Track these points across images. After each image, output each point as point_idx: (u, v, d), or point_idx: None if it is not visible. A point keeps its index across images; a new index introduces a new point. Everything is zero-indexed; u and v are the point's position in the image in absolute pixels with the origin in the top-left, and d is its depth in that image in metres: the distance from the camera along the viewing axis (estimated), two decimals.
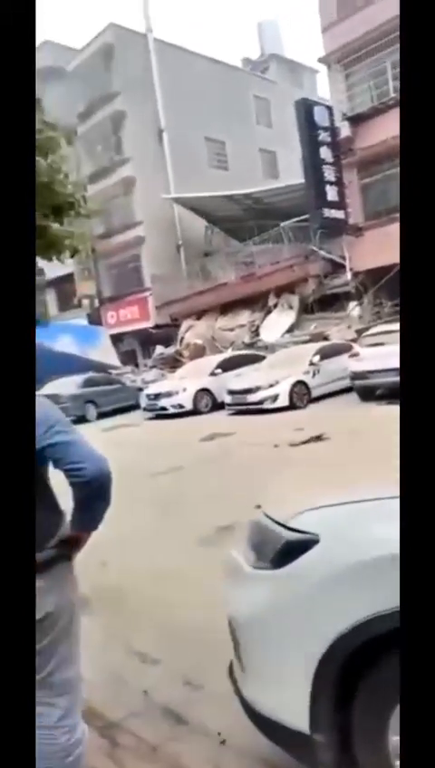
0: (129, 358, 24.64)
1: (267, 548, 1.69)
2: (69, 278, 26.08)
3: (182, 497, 5.76)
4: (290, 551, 1.56)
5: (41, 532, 1.50)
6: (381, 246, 15.59)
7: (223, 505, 5.04)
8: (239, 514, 4.65)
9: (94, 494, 1.54)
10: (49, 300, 28.33)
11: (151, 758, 1.96)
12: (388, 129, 15.38)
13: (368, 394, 10.75)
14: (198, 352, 18.99)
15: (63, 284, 27.04)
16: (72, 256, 6.95)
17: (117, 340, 24.80)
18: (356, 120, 16.34)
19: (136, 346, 25.71)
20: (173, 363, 19.57)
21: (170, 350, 21.54)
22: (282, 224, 20.02)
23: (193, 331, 21.31)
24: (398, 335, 8.72)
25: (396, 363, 9.46)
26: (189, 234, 25.42)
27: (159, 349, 22.62)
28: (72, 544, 1.63)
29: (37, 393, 1.53)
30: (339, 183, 16.60)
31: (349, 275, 17.15)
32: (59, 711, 1.59)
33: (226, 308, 20.99)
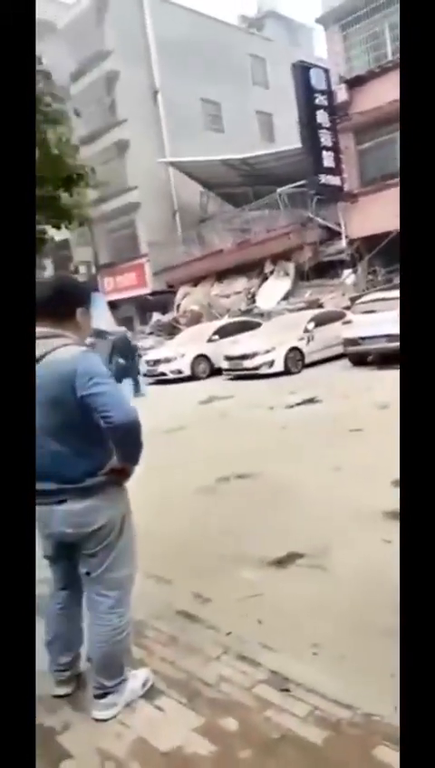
0: (126, 324, 24.79)
1: None
2: (65, 244, 25.98)
3: (186, 453, 6.20)
4: None
5: (95, 462, 1.93)
6: (377, 214, 15.71)
7: (221, 460, 5.48)
8: (235, 467, 5.12)
9: (122, 437, 1.93)
10: (46, 266, 28.26)
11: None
12: (384, 93, 15.27)
13: (359, 360, 11.13)
14: (195, 319, 19.24)
15: (59, 250, 26.94)
16: (81, 225, 7.20)
17: (114, 306, 24.92)
18: (353, 84, 16.16)
19: (133, 313, 25.87)
20: (170, 330, 19.81)
21: (167, 317, 21.74)
22: (278, 190, 19.98)
23: (190, 298, 21.49)
24: (389, 302, 9.17)
25: (387, 330, 9.82)
26: (185, 199, 25.25)
27: (156, 315, 22.81)
28: (119, 473, 2.03)
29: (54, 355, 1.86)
30: (335, 148, 16.55)
31: (344, 243, 17.29)
32: (111, 601, 2.04)
33: (222, 275, 21.12)
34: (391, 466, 4.53)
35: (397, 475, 4.28)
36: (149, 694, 2.14)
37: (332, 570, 3.00)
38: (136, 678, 2.15)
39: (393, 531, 3.35)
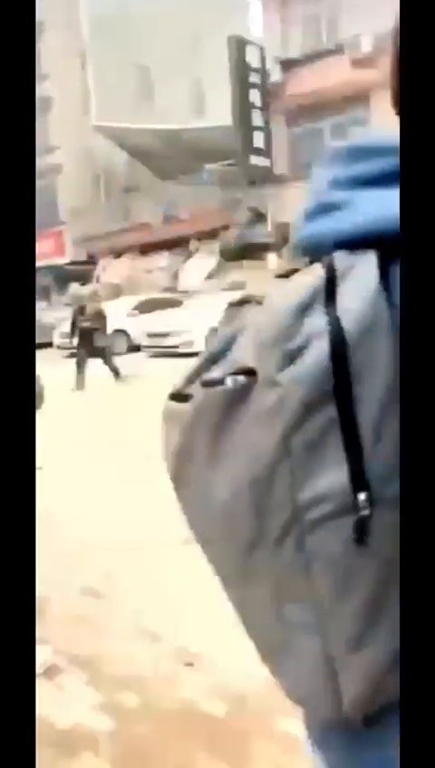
0: (42, 294, 23.62)
1: None
2: None
3: (107, 432, 5.95)
4: None
5: None
6: (303, 199, 15.90)
7: (142, 439, 5.29)
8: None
9: None
10: None
11: None
12: (318, 79, 15.40)
13: None
14: (115, 293, 18.65)
15: None
16: None
17: None
18: (288, 66, 16.12)
19: (50, 282, 24.66)
20: None
21: (87, 289, 20.92)
22: (206, 166, 19.65)
23: (111, 271, 20.81)
24: None
25: None
26: (110, 166, 24.27)
27: (75, 286, 21.87)
28: None
29: None
30: (266, 129, 16.49)
31: (269, 226, 17.37)
32: None
33: (145, 249, 20.59)
34: None
35: None
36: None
37: None
38: None
39: None
